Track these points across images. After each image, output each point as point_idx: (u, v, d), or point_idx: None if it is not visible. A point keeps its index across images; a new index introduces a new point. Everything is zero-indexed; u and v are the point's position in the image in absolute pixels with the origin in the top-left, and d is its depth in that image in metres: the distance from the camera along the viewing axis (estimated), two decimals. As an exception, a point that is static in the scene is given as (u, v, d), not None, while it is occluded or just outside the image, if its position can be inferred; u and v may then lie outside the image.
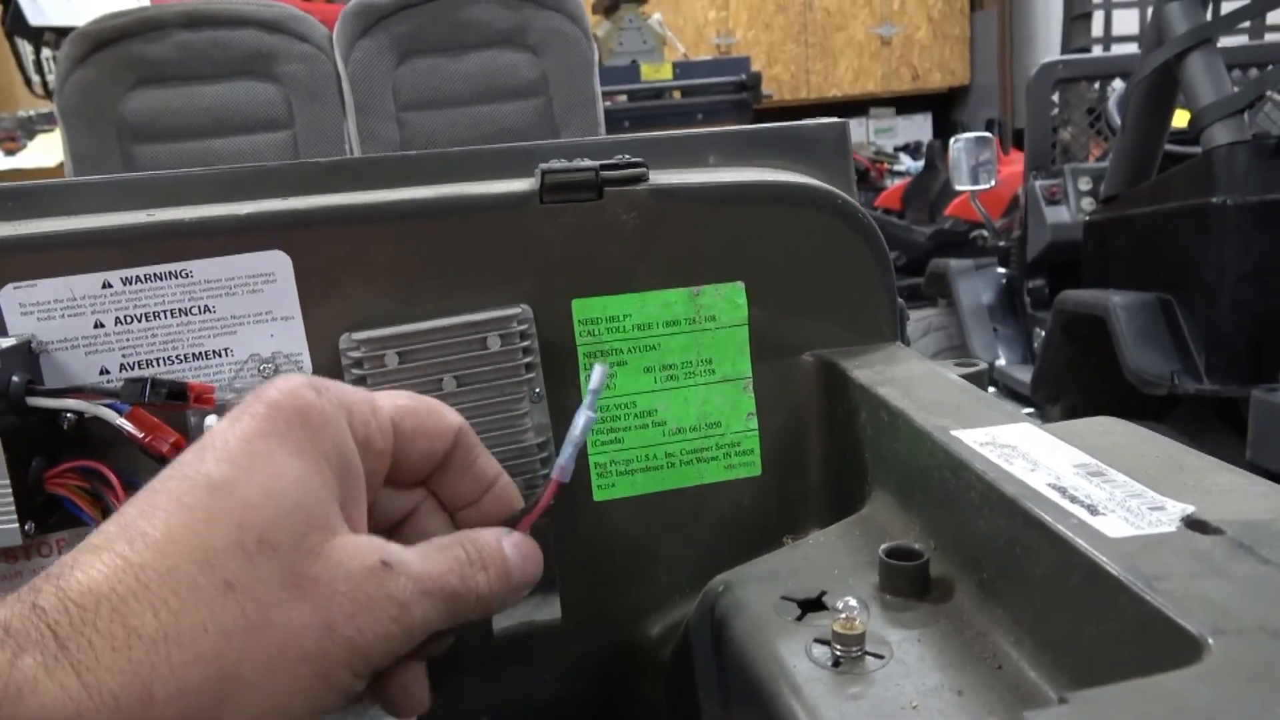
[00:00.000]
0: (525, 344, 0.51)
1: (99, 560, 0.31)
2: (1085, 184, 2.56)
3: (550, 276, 0.52)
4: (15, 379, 0.44)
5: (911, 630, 0.39)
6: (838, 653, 0.37)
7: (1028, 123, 2.77)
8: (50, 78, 3.18)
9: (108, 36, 1.72)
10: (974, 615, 0.39)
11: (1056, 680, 0.34)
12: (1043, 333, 2.44)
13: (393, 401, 0.40)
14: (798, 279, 0.56)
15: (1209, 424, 1.94)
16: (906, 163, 5.93)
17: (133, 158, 1.75)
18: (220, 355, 0.49)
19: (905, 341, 0.60)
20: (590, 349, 0.54)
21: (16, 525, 0.43)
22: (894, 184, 5.30)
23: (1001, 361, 2.78)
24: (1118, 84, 2.76)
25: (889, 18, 7.04)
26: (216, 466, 0.34)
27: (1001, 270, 2.99)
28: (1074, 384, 2.25)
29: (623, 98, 4.36)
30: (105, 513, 0.45)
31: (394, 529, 0.41)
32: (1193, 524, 0.33)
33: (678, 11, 6.68)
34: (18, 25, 2.99)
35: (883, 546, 0.42)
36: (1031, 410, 2.38)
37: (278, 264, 0.49)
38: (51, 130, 3.65)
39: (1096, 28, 3.51)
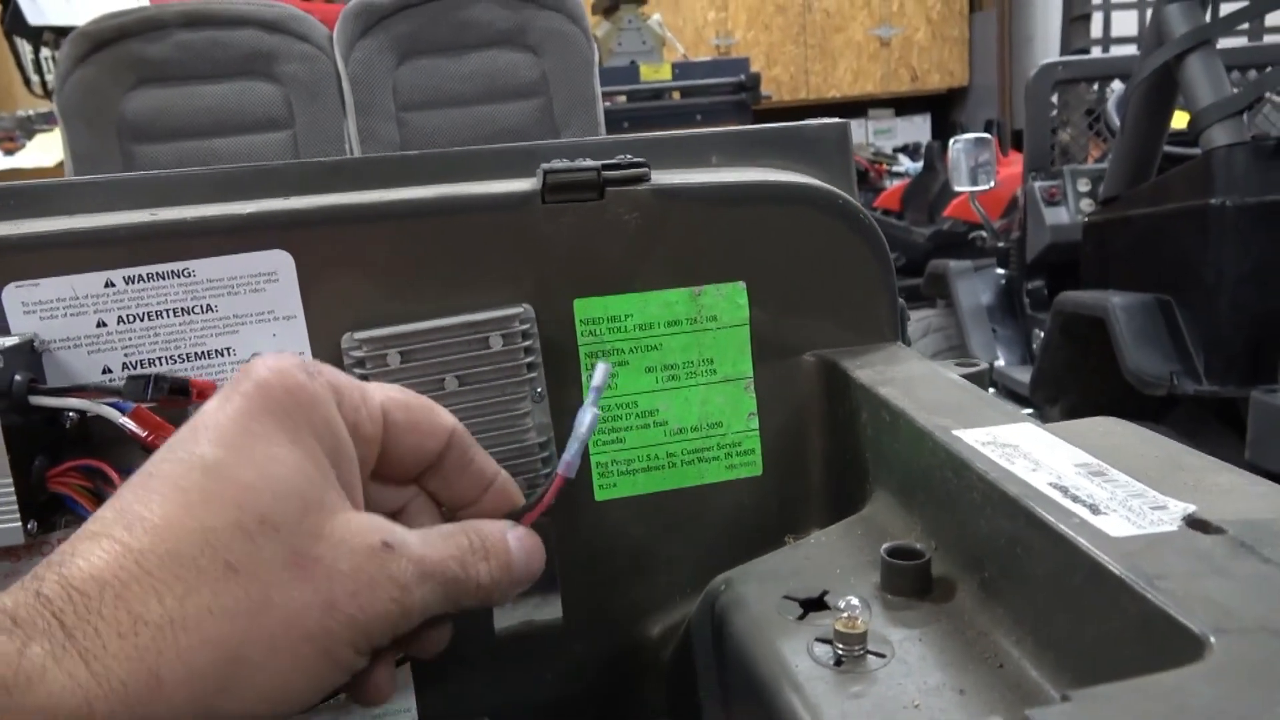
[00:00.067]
0: (527, 344, 0.51)
1: (98, 547, 0.31)
2: (1084, 185, 2.56)
3: (552, 276, 0.53)
4: (18, 378, 0.44)
5: (913, 629, 0.39)
6: (839, 652, 0.37)
7: (1027, 124, 2.78)
8: (49, 77, 3.19)
9: (108, 36, 1.72)
10: (976, 614, 0.39)
11: (1058, 679, 0.34)
12: (1042, 334, 2.44)
13: (384, 393, 0.40)
14: (799, 279, 0.56)
15: (1208, 425, 1.95)
16: (905, 164, 5.93)
17: (133, 157, 1.75)
18: (222, 355, 0.49)
19: (906, 342, 0.60)
20: (592, 349, 0.54)
21: (19, 524, 0.43)
22: (893, 185, 5.30)
23: (1000, 362, 2.79)
24: (1117, 85, 2.77)
25: (888, 19, 7.05)
26: (211, 448, 0.34)
27: (1000, 271, 2.99)
28: (1073, 385, 2.25)
29: (622, 98, 4.36)
30: (107, 512, 0.45)
31: None
32: (1194, 523, 0.33)
33: (677, 12, 6.69)
34: (17, 25, 2.99)
35: (884, 546, 0.42)
36: (1030, 411, 2.38)
37: (280, 263, 0.49)
38: (50, 130, 3.65)
39: (1095, 29, 3.52)
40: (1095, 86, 2.83)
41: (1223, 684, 0.25)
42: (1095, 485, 0.37)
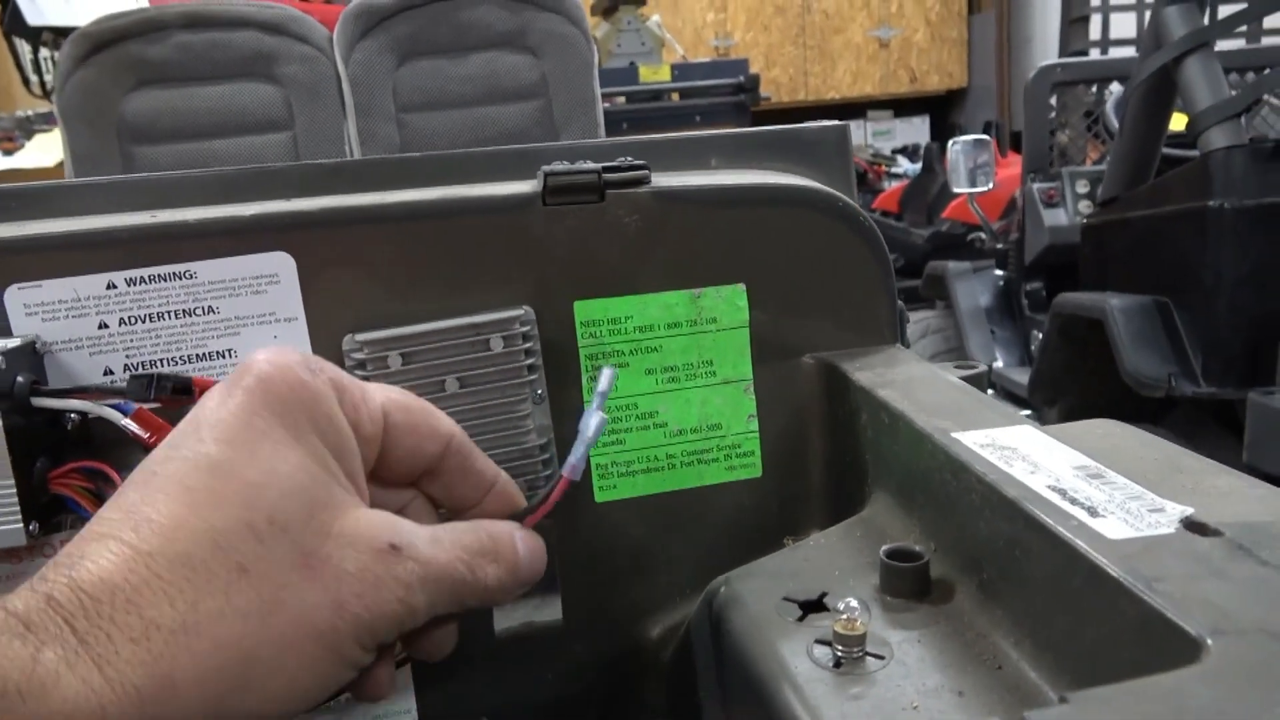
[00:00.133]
0: (527, 345, 0.52)
1: (106, 549, 0.31)
2: (1083, 187, 2.57)
3: (552, 278, 0.53)
4: (20, 379, 0.44)
5: (912, 631, 0.39)
6: (839, 653, 0.37)
7: (1025, 126, 2.78)
8: (48, 78, 3.19)
9: (108, 37, 1.73)
10: (974, 616, 0.39)
11: (1057, 681, 0.34)
12: (1040, 335, 2.44)
13: (384, 393, 0.40)
14: (799, 281, 0.56)
15: (1206, 426, 1.95)
16: (904, 165, 5.94)
17: (133, 158, 1.75)
18: (224, 356, 0.50)
19: (905, 344, 0.60)
20: (592, 351, 0.54)
21: (21, 525, 0.44)
22: (892, 186, 5.31)
23: (999, 364, 2.79)
24: (1115, 87, 2.77)
25: (887, 20, 7.05)
26: (215, 446, 0.34)
27: (999, 273, 3.00)
28: (1071, 386, 2.25)
29: (621, 99, 4.36)
30: (109, 513, 0.45)
31: None
32: (1192, 526, 0.33)
33: (676, 13, 6.69)
34: (16, 25, 2.99)
35: (883, 548, 0.42)
36: (1029, 412, 2.38)
37: (281, 265, 0.49)
38: (49, 130, 3.66)
39: (1094, 31, 3.53)
40: (1094, 88, 2.84)
41: (1220, 686, 0.25)
42: (1093, 487, 0.37)
